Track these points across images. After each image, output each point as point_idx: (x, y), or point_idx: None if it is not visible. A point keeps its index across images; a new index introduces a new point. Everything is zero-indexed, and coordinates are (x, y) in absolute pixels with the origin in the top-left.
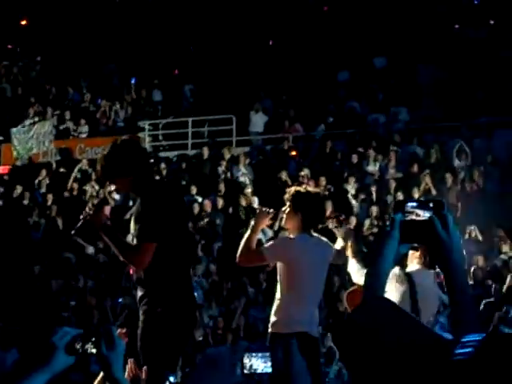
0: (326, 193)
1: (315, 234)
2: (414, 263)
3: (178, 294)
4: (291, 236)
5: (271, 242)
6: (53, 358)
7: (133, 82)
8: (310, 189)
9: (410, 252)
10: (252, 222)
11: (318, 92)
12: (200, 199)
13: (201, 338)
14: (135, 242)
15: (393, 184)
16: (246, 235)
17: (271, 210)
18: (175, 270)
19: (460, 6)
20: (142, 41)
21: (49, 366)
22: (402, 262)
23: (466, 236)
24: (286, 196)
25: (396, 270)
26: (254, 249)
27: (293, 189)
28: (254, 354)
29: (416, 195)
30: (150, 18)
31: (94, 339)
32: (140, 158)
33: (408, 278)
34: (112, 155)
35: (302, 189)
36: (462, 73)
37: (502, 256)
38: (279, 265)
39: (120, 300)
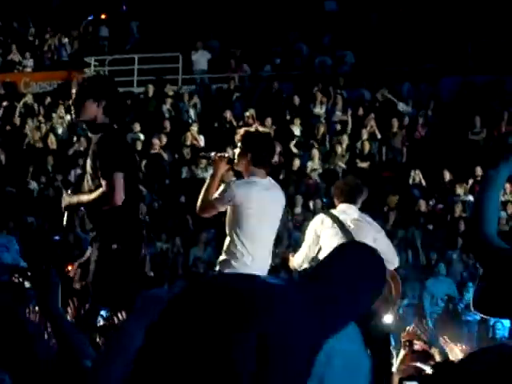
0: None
1: (267, 178)
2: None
3: (131, 230)
4: (234, 180)
5: (218, 190)
6: None
7: (90, 18)
8: (260, 128)
9: None
10: (210, 171)
11: (266, 33)
12: (142, 137)
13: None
14: (101, 177)
15: (338, 126)
16: (206, 185)
17: (226, 155)
18: (128, 207)
19: None
20: None
21: None
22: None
23: (410, 181)
24: (237, 137)
25: (320, 216)
26: (210, 199)
27: (242, 130)
28: None
29: (364, 136)
30: None
31: (30, 274)
32: (114, 93)
33: (334, 218)
34: (95, 78)
35: (251, 129)
36: (413, 20)
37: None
38: (228, 208)
39: (57, 237)
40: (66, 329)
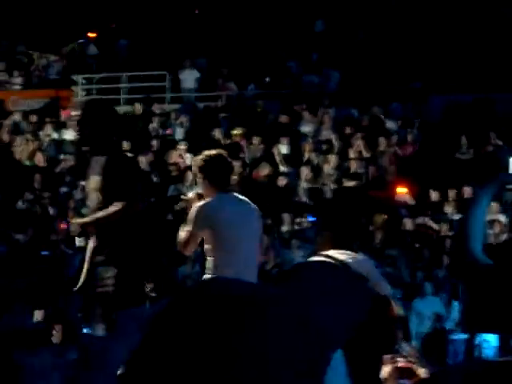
0: (259, 154)
1: (234, 194)
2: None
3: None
4: (201, 202)
5: (189, 219)
6: None
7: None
8: (211, 152)
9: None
10: (197, 189)
11: (254, 51)
12: (130, 155)
13: None
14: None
15: (325, 145)
16: (185, 230)
17: (193, 194)
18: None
19: None
20: None
21: None
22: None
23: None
24: (193, 168)
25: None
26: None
27: (197, 158)
28: None
29: (351, 155)
30: None
31: None
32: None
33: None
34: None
35: (202, 155)
36: (398, 37)
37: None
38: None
39: (45, 253)
40: None
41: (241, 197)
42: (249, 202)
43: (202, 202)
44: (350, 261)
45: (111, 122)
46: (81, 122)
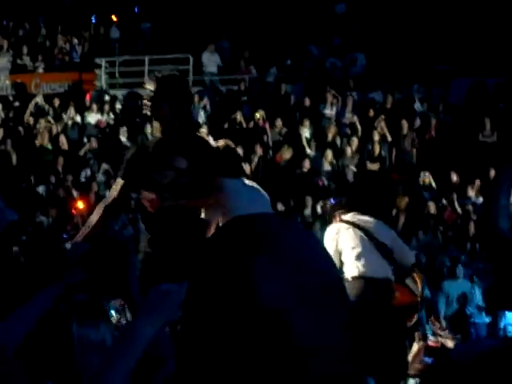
0: (281, 137)
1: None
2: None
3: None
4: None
5: None
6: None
7: (93, 21)
8: (219, 143)
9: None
10: None
11: (276, 35)
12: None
13: None
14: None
15: (348, 128)
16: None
17: None
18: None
19: None
20: None
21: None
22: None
23: (421, 182)
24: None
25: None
26: None
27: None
28: None
29: (376, 138)
30: None
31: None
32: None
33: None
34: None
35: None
36: (421, 20)
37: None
38: None
39: (65, 236)
40: None
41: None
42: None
43: None
44: (372, 226)
45: (187, 98)
46: (156, 98)
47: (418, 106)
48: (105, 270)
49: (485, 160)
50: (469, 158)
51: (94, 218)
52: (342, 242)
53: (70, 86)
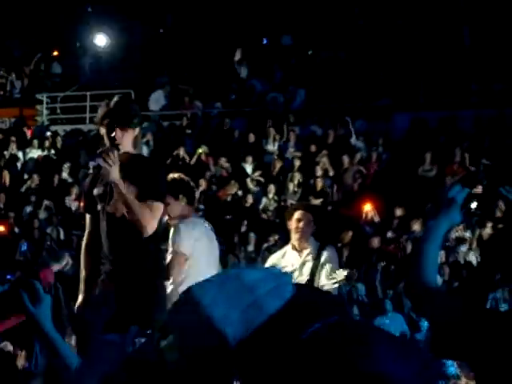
0: (226, 173)
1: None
2: None
3: None
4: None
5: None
6: None
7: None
8: (174, 175)
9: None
10: None
11: (219, 69)
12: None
13: None
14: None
15: (292, 163)
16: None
17: None
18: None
19: None
20: (42, 11)
21: None
22: None
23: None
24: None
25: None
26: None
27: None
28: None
29: (318, 173)
30: None
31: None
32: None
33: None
34: (126, 102)
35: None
36: (363, 54)
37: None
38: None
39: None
40: (57, 342)
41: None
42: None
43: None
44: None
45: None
46: (119, 102)
47: (356, 141)
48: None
49: (425, 194)
50: (410, 193)
51: (85, 264)
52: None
53: (11, 122)
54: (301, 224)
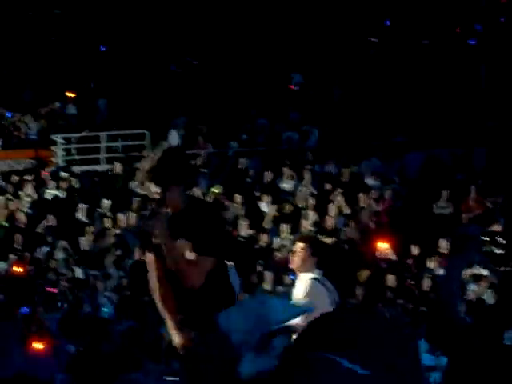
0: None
1: None
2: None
3: None
4: None
5: None
6: None
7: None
8: None
9: None
10: None
11: (232, 109)
12: (109, 214)
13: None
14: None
15: (306, 202)
16: None
17: None
18: None
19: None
20: (56, 54)
21: None
22: None
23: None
24: None
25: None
26: None
27: None
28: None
29: (332, 213)
30: (64, 30)
31: None
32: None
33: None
34: (167, 160)
35: None
36: (377, 93)
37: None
38: None
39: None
40: None
41: None
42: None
43: None
44: None
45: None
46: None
47: (371, 179)
48: None
49: (441, 232)
50: (425, 230)
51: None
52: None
53: (27, 163)
54: (300, 254)
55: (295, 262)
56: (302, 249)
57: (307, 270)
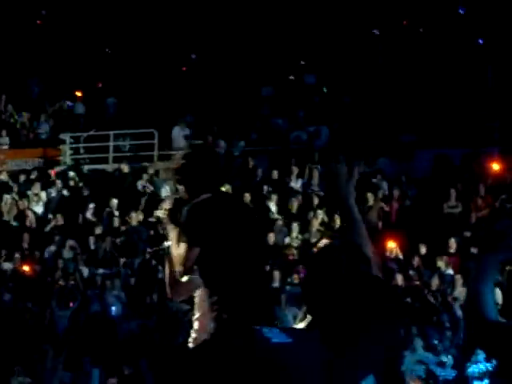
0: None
1: None
2: None
3: None
4: None
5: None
6: None
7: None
8: None
9: None
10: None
11: (242, 108)
12: (117, 213)
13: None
14: None
15: (315, 201)
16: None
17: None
18: None
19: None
20: (64, 53)
21: None
22: None
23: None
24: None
25: None
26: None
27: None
28: None
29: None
30: (72, 31)
31: None
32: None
33: None
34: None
35: None
36: (386, 92)
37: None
38: None
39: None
40: None
41: None
42: None
43: None
44: None
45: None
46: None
47: (381, 178)
48: None
49: (451, 231)
50: (435, 229)
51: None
52: None
53: (35, 162)
54: None
55: None
56: None
57: None
